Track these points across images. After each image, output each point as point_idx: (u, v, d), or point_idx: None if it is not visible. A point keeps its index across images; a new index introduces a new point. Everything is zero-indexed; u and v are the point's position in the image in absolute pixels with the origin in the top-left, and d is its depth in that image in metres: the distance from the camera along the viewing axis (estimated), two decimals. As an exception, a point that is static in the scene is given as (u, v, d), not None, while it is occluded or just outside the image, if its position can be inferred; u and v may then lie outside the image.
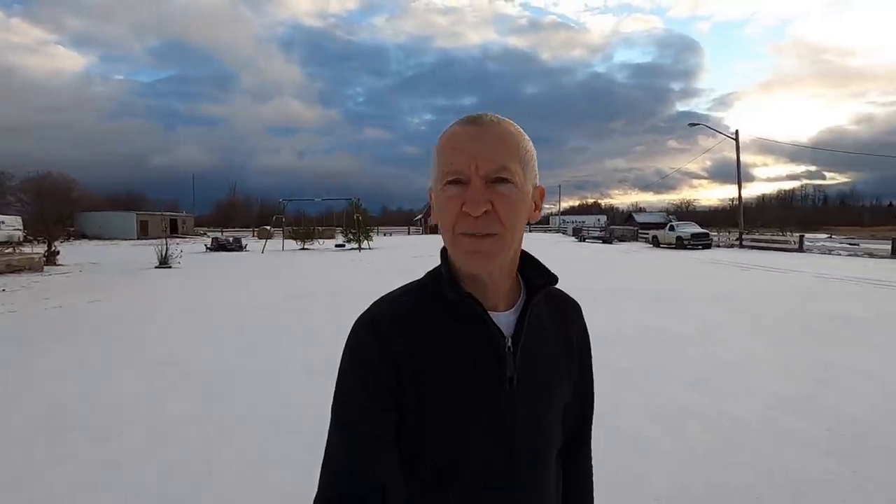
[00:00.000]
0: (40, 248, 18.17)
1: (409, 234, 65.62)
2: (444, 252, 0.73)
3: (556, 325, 0.78)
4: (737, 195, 32.60)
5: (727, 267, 15.86)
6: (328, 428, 0.68)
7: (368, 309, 0.71)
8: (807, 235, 26.88)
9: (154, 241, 29.17)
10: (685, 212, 73.48)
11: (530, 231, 62.11)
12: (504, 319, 0.71)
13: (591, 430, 0.86)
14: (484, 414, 0.67)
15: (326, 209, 39.56)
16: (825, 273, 13.46)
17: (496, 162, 0.64)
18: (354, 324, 0.70)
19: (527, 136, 0.70)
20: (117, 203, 57.05)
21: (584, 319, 0.84)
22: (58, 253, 17.90)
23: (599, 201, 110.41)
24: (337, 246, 29.67)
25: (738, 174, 31.74)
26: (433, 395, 0.66)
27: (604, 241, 34.62)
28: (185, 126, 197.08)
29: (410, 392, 0.66)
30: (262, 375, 4.70)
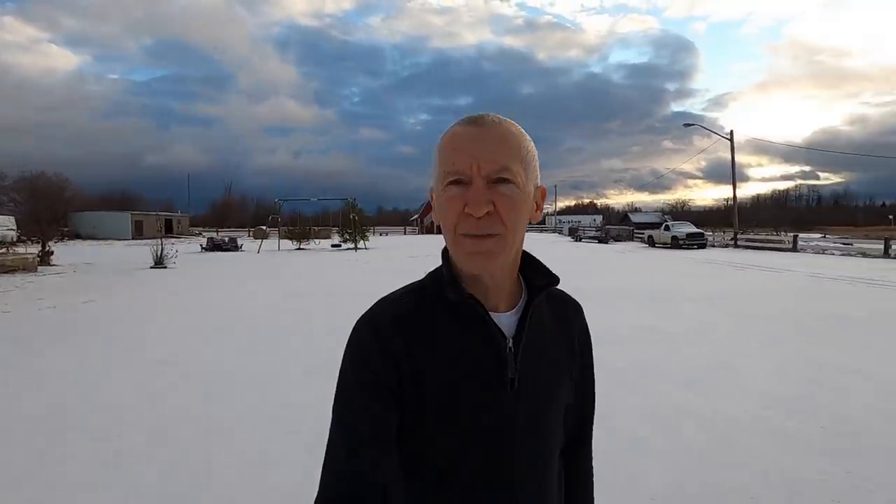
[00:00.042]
0: (34, 249, 18.06)
1: (405, 233, 65.59)
2: (445, 252, 0.73)
3: (558, 326, 0.78)
4: (732, 195, 32.79)
5: (722, 267, 15.95)
6: (329, 428, 0.68)
7: (369, 309, 0.71)
8: (801, 235, 27.07)
9: (149, 241, 29.05)
10: (680, 212, 73.82)
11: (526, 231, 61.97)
12: (505, 320, 0.71)
13: (592, 430, 0.87)
14: (485, 415, 0.67)
15: (322, 209, 39.48)
16: (819, 273, 13.56)
17: (498, 162, 0.65)
18: (355, 324, 0.70)
19: (528, 137, 0.70)
20: (111, 203, 56.77)
21: (585, 320, 0.84)
22: (52, 253, 17.80)
23: (595, 201, 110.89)
24: (333, 246, 29.63)
25: (732, 174, 31.92)
26: (434, 395, 0.66)
27: (600, 241, 34.73)
28: (180, 125, 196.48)
29: (411, 392, 0.66)
30: (261, 375, 4.70)
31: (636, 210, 62.18)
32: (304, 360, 5.18)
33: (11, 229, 24.71)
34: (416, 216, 75.67)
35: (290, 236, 30.15)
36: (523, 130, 0.70)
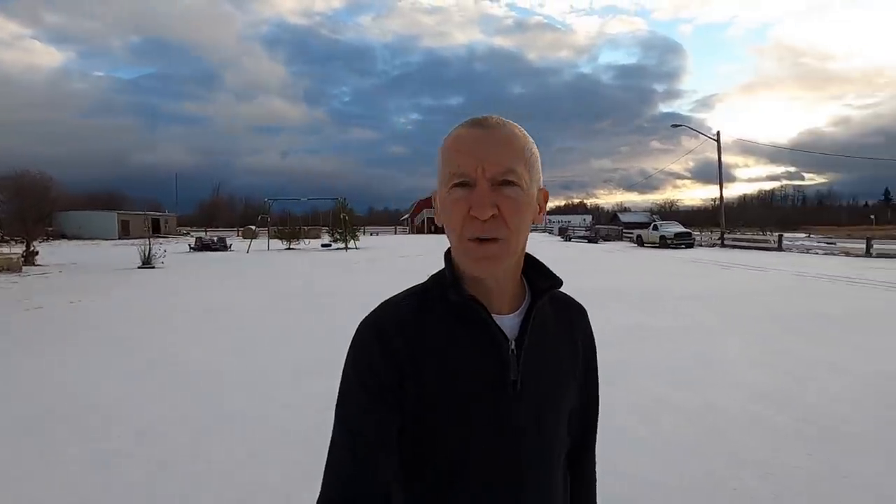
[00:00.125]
0: (18, 249, 17.79)
1: (395, 233, 65.48)
2: (447, 255, 0.73)
3: (561, 329, 0.77)
4: (719, 195, 33.23)
5: (709, 266, 16.18)
6: (331, 429, 0.68)
7: (372, 312, 0.71)
8: (786, 235, 27.48)
9: (136, 241, 28.71)
10: (669, 212, 74.63)
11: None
12: (508, 322, 0.70)
13: (595, 435, 0.86)
14: (487, 417, 0.67)
15: (312, 209, 39.27)
16: (803, 271, 13.81)
17: (502, 165, 0.65)
18: (358, 326, 0.70)
19: (531, 139, 0.70)
20: (97, 202, 55.94)
21: (589, 324, 0.83)
22: (37, 253, 17.55)
23: (585, 201, 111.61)
24: (323, 246, 29.53)
25: (719, 175, 32.35)
26: (436, 398, 0.66)
27: (589, 241, 34.99)
28: (167, 124, 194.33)
29: (413, 395, 0.66)
30: (251, 376, 4.71)
31: (625, 210, 62.65)
32: (294, 361, 5.19)
33: (-6, 229, 24.30)
34: (406, 216, 75.60)
35: (279, 236, 29.99)
36: (526, 133, 0.70)
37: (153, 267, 16.13)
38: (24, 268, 15.60)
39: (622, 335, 6.18)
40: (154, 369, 4.93)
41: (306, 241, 32.34)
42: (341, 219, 28.11)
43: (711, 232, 30.56)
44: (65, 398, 4.10)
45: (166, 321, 7.44)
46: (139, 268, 15.90)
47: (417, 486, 0.68)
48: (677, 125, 32.82)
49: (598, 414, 0.86)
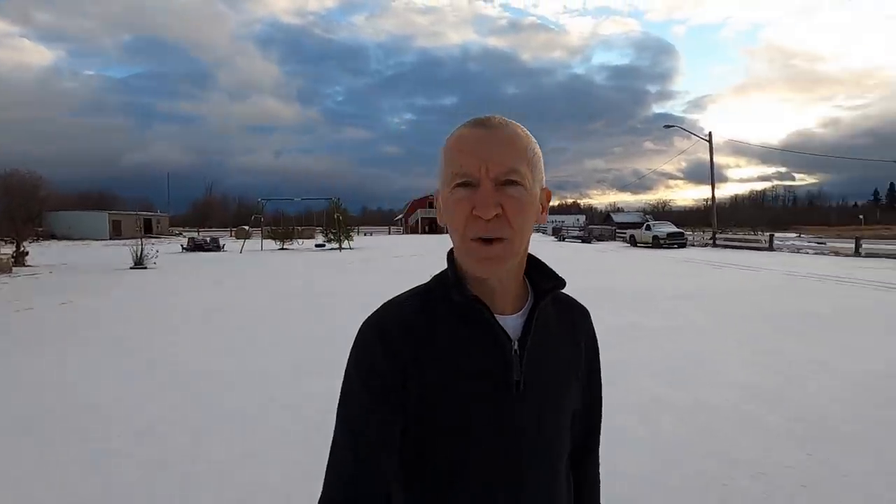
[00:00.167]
0: (8, 249, 17.60)
1: (389, 233, 65.40)
2: (450, 255, 0.72)
3: (564, 330, 0.77)
4: (711, 196, 33.49)
5: (701, 265, 16.31)
6: (333, 429, 0.68)
7: (375, 312, 0.71)
8: (777, 235, 27.74)
9: (127, 241, 28.48)
10: (661, 212, 75.14)
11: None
12: (511, 323, 0.70)
13: (599, 437, 0.86)
14: (490, 417, 0.67)
15: (306, 209, 39.27)
16: (793, 271, 13.96)
17: (506, 164, 0.64)
18: (361, 326, 0.70)
19: (534, 139, 0.70)
20: (88, 202, 55.49)
21: (592, 326, 0.83)
22: (27, 253, 17.37)
23: (579, 201, 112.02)
24: (317, 246, 29.46)
25: (711, 175, 32.60)
26: (439, 398, 0.66)
27: (583, 241, 35.14)
28: (160, 123, 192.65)
29: (416, 395, 0.66)
30: (248, 375, 4.70)
31: (618, 210, 63.01)
32: (291, 361, 5.19)
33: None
34: (400, 216, 75.52)
35: (273, 236, 29.87)
36: (529, 132, 0.70)
37: (145, 267, 16.02)
38: (13, 268, 15.44)
39: (615, 335, 6.22)
40: (150, 369, 4.90)
41: (300, 241, 32.23)
42: (335, 219, 28.05)
43: (703, 232, 30.79)
44: (61, 399, 4.08)
45: (161, 322, 7.40)
46: (131, 268, 15.79)
47: (418, 486, 0.68)
48: (670, 126, 33.05)
49: (601, 416, 0.86)
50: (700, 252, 23.31)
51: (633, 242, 29.15)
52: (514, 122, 0.70)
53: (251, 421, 3.63)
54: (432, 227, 65.04)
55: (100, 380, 4.60)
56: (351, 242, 29.73)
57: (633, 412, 3.72)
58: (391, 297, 0.73)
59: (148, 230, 49.28)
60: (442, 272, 0.74)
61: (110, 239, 42.93)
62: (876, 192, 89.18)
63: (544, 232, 56.97)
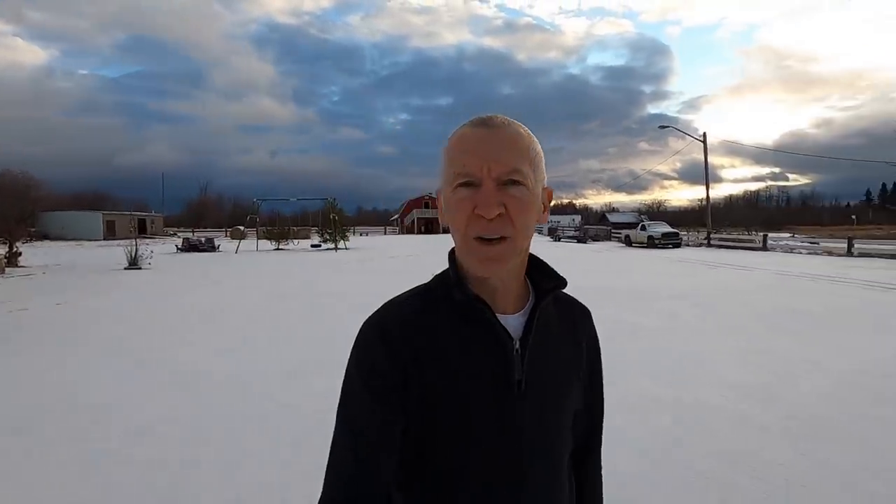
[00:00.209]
0: (1, 250, 17.46)
1: (385, 233, 65.33)
2: (451, 254, 0.73)
3: (565, 329, 0.77)
4: (705, 196, 33.68)
5: (695, 265, 16.40)
6: (332, 429, 0.68)
7: (376, 311, 0.71)
8: (771, 235, 27.97)
9: (122, 241, 28.35)
10: (656, 212, 75.54)
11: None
12: (512, 322, 0.70)
13: (601, 438, 0.86)
14: (491, 416, 0.67)
15: (301, 209, 39.08)
16: (787, 271, 14.07)
17: (508, 164, 0.65)
18: (362, 326, 0.70)
19: (535, 139, 0.70)
20: (82, 202, 55.04)
21: (594, 326, 0.83)
22: (20, 254, 17.24)
23: (574, 201, 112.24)
24: (313, 246, 29.40)
25: (706, 175, 32.80)
26: (440, 397, 0.66)
27: (578, 241, 35.26)
28: (154, 123, 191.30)
29: (417, 395, 0.66)
30: (241, 376, 4.70)
31: (614, 210, 63.29)
32: (288, 361, 5.19)
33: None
34: (396, 216, 75.45)
35: (268, 236, 29.79)
36: (531, 132, 0.70)
37: (140, 268, 15.94)
38: (7, 269, 15.33)
39: (610, 334, 6.26)
40: (148, 370, 4.90)
41: (295, 241, 32.15)
42: (331, 219, 28.00)
43: (698, 232, 30.95)
44: (58, 399, 4.06)
45: (156, 322, 7.38)
46: (126, 269, 15.71)
47: (418, 486, 0.68)
48: (665, 126, 33.23)
49: (603, 416, 0.85)
50: (695, 252, 23.44)
51: (629, 243, 29.27)
52: (515, 121, 0.70)
53: (249, 421, 3.63)
54: (428, 228, 65.06)
55: (97, 380, 4.59)
56: (347, 243, 29.69)
57: (629, 411, 3.76)
58: (392, 297, 0.73)
59: (142, 230, 48.97)
60: (443, 272, 0.74)
61: (104, 239, 42.67)
62: (868, 193, 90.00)
63: (540, 232, 57.09)
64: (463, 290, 0.68)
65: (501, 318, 0.69)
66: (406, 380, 0.66)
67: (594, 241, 35.75)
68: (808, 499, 2.56)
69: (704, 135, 31.59)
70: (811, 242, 24.53)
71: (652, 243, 26.40)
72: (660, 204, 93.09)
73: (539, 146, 0.71)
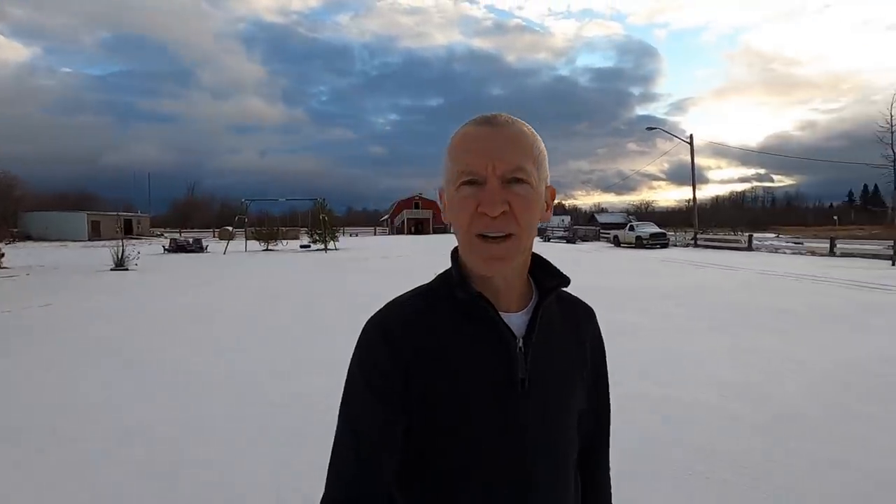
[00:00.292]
0: (-17, 251, 17.15)
1: (375, 234, 65.19)
2: (454, 253, 0.73)
3: (568, 328, 0.77)
4: (692, 196, 34.11)
5: (682, 265, 16.62)
6: (335, 428, 0.68)
7: (378, 311, 0.71)
8: (756, 235, 28.40)
9: (107, 242, 27.96)
10: (645, 212, 76.34)
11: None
12: (516, 320, 0.70)
13: (608, 439, 0.85)
14: (495, 415, 0.67)
15: (290, 209, 38.93)
16: (771, 270, 14.32)
17: (512, 162, 0.65)
18: (364, 326, 0.70)
19: (539, 137, 0.70)
20: (66, 202, 54.28)
21: (598, 327, 0.82)
22: (2, 255, 16.95)
23: (563, 202, 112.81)
24: (302, 247, 29.25)
25: (692, 177, 33.24)
26: (443, 396, 0.66)
27: (567, 241, 35.51)
28: (140, 122, 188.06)
29: (419, 394, 0.65)
30: (232, 376, 4.69)
31: (602, 210, 63.74)
32: (277, 360, 5.19)
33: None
34: (386, 216, 75.30)
35: (257, 237, 29.58)
36: (534, 130, 0.70)
37: (127, 269, 15.76)
38: (-11, 270, 15.06)
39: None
40: (136, 371, 4.86)
41: (284, 242, 31.96)
42: (321, 219, 27.89)
43: (685, 232, 31.35)
44: (43, 402, 4.03)
45: (145, 323, 7.32)
46: (112, 270, 15.52)
47: (419, 486, 0.67)
48: (652, 128, 33.73)
49: (609, 418, 0.85)
50: (682, 252, 23.74)
51: (617, 243, 29.54)
52: (519, 120, 0.70)
53: (242, 421, 3.64)
54: (418, 228, 65.01)
55: (86, 382, 4.55)
56: (336, 243, 29.59)
57: (618, 410, 3.81)
58: (394, 297, 0.74)
59: (128, 231, 48.34)
60: (446, 271, 0.74)
61: (89, 240, 42.02)
62: (851, 194, 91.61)
63: (530, 232, 57.26)
64: (466, 289, 0.68)
65: (505, 316, 0.69)
66: (408, 379, 0.66)
67: (583, 241, 36.02)
68: (796, 495, 2.64)
69: (691, 136, 32.03)
70: (795, 243, 24.97)
71: (640, 244, 26.68)
72: (648, 204, 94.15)
73: (542, 145, 0.71)
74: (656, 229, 28.18)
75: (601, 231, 37.89)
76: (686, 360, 5.19)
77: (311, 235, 30.19)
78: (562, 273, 0.75)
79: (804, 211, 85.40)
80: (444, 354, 0.67)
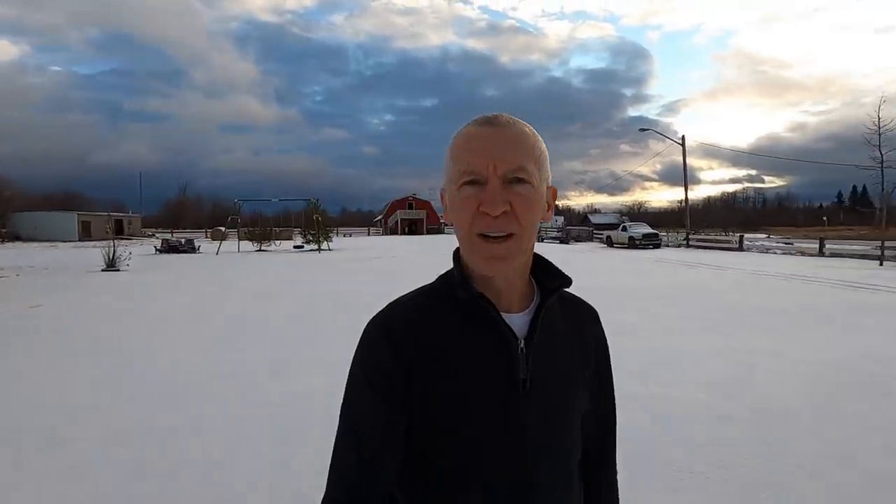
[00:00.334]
0: (-29, 251, 16.93)
1: (369, 234, 65.06)
2: (456, 254, 0.73)
3: (570, 329, 0.77)
4: (684, 197, 34.37)
5: (674, 265, 16.75)
6: (337, 428, 0.68)
7: (381, 311, 0.71)
8: (747, 235, 28.68)
9: (98, 242, 27.70)
10: (637, 213, 76.78)
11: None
12: (517, 321, 0.70)
13: (614, 440, 0.84)
14: (496, 416, 0.67)
15: (284, 210, 38.70)
16: (762, 270, 14.47)
17: (514, 162, 0.65)
18: (367, 325, 0.70)
19: (540, 137, 0.70)
20: (55, 202, 53.68)
21: (602, 328, 0.82)
22: (-9, 256, 16.75)
23: (557, 202, 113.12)
24: (295, 247, 29.13)
25: (684, 178, 33.49)
26: (444, 397, 0.66)
27: (561, 242, 35.64)
28: (130, 121, 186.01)
29: (421, 394, 0.65)
30: (224, 377, 4.67)
31: (595, 211, 64.11)
32: (271, 360, 5.17)
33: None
34: (380, 217, 75.15)
35: (250, 237, 29.42)
36: (535, 131, 0.70)
37: (118, 270, 15.62)
38: (-23, 271, 14.87)
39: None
40: (123, 371, 4.83)
41: (277, 242, 31.82)
42: (314, 220, 27.80)
43: (677, 233, 31.57)
44: (34, 404, 3.98)
45: (138, 323, 7.26)
46: (103, 270, 15.37)
47: (422, 487, 0.67)
48: (645, 129, 33.94)
49: (615, 419, 0.84)
50: (674, 252, 23.91)
51: (610, 243, 29.70)
52: (520, 120, 0.70)
53: (236, 421, 3.62)
54: (412, 228, 64.97)
55: (77, 383, 4.51)
56: (330, 244, 29.50)
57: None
58: (396, 297, 0.74)
59: (119, 231, 47.87)
60: (448, 271, 0.74)
61: (79, 240, 41.57)
62: (840, 195, 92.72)
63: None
64: (467, 289, 0.68)
65: (506, 316, 0.69)
66: (410, 379, 0.66)
67: (576, 241, 36.18)
68: (795, 495, 2.67)
69: (683, 138, 32.28)
70: (786, 243, 25.24)
71: (633, 244, 26.85)
72: (640, 205, 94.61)
73: (543, 145, 0.71)
74: (649, 230, 28.37)
75: (594, 231, 38.10)
76: (680, 359, 5.23)
77: (305, 236, 30.08)
78: (564, 273, 0.75)
79: (794, 211, 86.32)
80: (445, 354, 0.67)
